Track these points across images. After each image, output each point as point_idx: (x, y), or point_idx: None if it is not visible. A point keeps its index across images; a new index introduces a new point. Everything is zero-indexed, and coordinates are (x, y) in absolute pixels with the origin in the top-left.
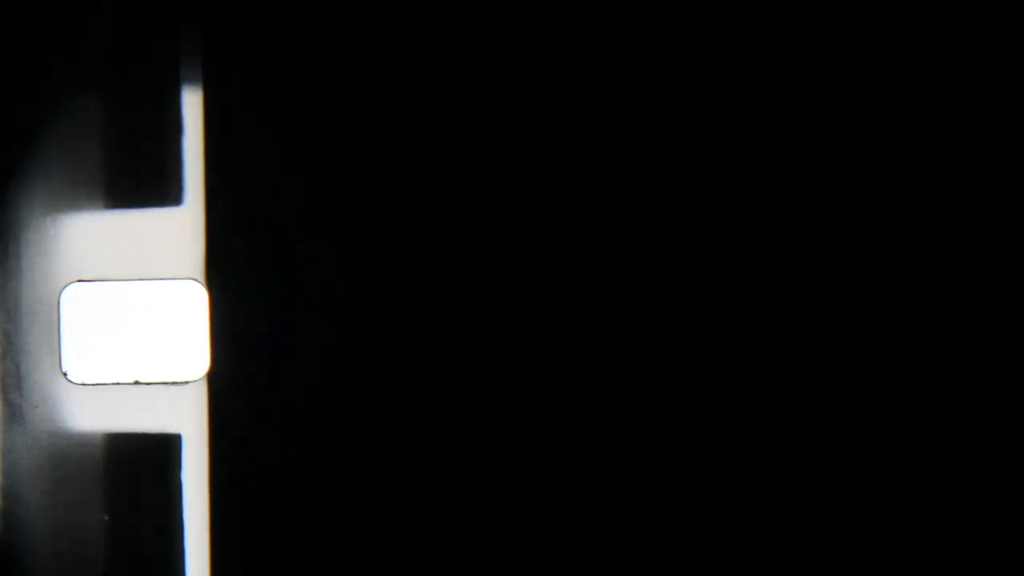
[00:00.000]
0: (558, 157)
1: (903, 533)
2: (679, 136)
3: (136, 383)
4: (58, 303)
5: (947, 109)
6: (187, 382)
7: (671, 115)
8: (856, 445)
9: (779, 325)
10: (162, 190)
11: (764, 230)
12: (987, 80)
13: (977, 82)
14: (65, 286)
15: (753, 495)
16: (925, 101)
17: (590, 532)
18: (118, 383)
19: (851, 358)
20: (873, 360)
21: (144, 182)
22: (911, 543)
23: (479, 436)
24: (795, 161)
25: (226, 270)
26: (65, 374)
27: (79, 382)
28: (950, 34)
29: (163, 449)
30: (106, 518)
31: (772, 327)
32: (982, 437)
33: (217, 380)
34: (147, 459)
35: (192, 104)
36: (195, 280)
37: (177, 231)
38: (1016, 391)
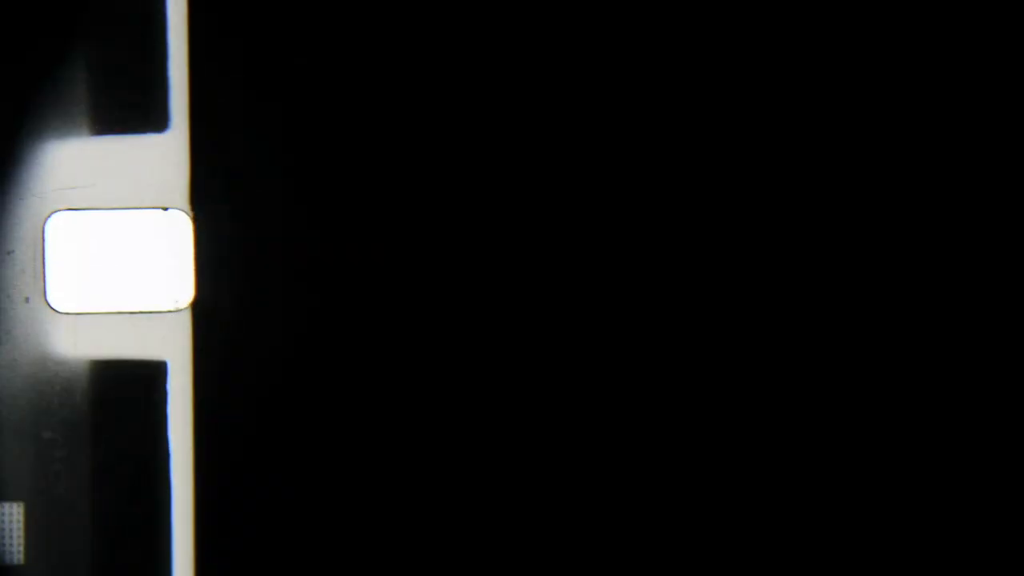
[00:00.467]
0: (557, 158)
1: (903, 532)
2: (679, 136)
3: (121, 312)
4: (43, 232)
5: (947, 109)
6: (172, 311)
7: (671, 115)
8: (856, 445)
9: (779, 325)
10: (147, 116)
11: (764, 230)
12: (987, 80)
13: (977, 82)
14: (49, 215)
15: (753, 494)
16: (925, 101)
17: (589, 530)
18: (103, 312)
19: (851, 358)
20: (873, 360)
21: (128, 109)
22: (911, 542)
23: (461, 373)
24: (795, 161)
25: (212, 199)
26: (49, 303)
27: (64, 311)
28: (950, 34)
29: (148, 376)
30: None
31: (772, 327)
32: (982, 437)
33: (202, 308)
34: (132, 386)
35: (177, 28)
36: (180, 209)
37: (162, 158)
38: (1016, 391)
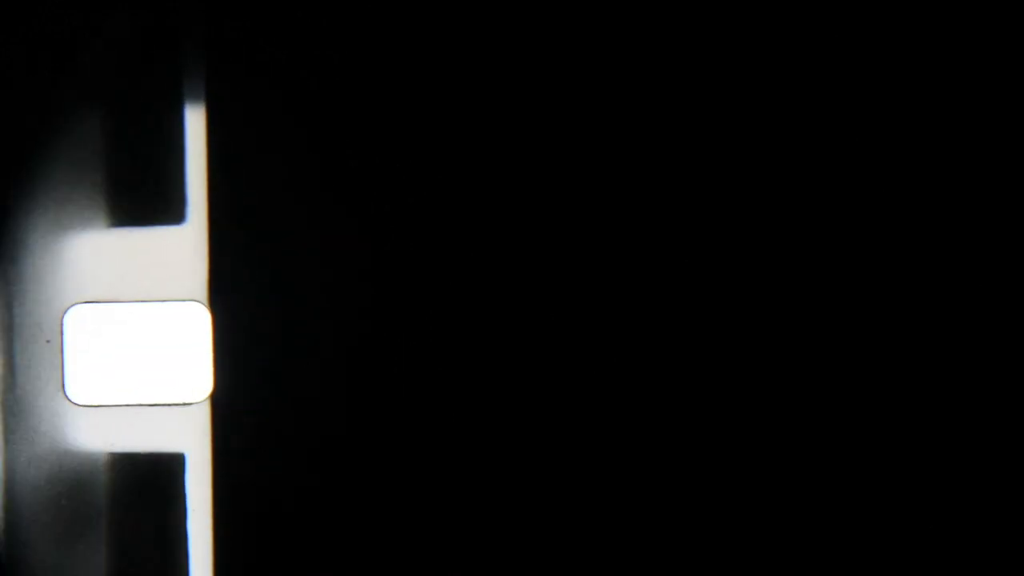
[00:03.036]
0: (558, 161)
1: (903, 532)
2: (679, 137)
3: (139, 404)
4: (61, 324)
5: (947, 109)
6: (190, 403)
7: (671, 116)
8: (856, 444)
9: (779, 325)
10: (164, 208)
11: (764, 230)
12: (987, 80)
13: (977, 82)
14: (68, 307)
15: (753, 494)
16: (925, 101)
17: (590, 530)
18: (121, 404)
19: (851, 358)
20: (873, 360)
21: (147, 200)
22: (911, 541)
23: (481, 454)
24: (795, 161)
25: (229, 291)
26: (68, 396)
27: (82, 403)
28: (950, 34)
29: (167, 469)
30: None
31: (772, 327)
32: (982, 437)
33: (220, 401)
34: (151, 479)
35: (195, 122)
36: (198, 301)
37: (180, 250)
38: (1016, 391)
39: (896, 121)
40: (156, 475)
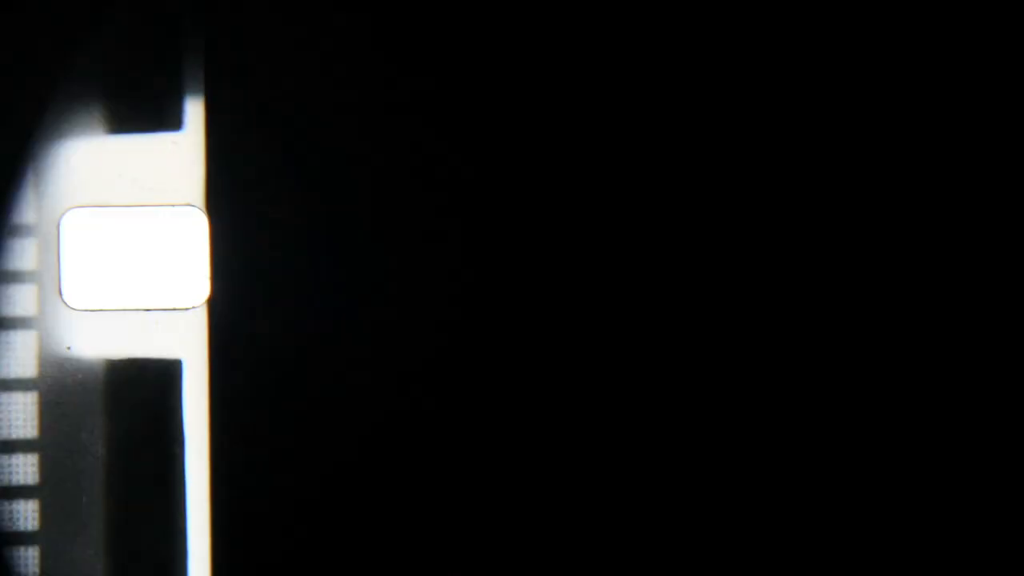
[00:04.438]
0: (560, 160)
1: (903, 532)
2: (683, 139)
3: (136, 309)
4: (58, 228)
5: (947, 109)
6: (187, 308)
7: (674, 118)
8: (856, 445)
9: (779, 325)
10: (163, 115)
11: (765, 231)
12: (987, 80)
13: (977, 82)
14: (65, 211)
15: (753, 494)
16: (925, 101)
17: (591, 531)
18: (118, 309)
19: (851, 358)
20: (873, 360)
21: (145, 107)
22: (911, 542)
23: (469, 368)
24: (795, 162)
25: (226, 197)
26: (65, 300)
27: (80, 308)
28: (950, 34)
29: (164, 374)
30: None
31: (772, 327)
32: (982, 437)
33: (217, 306)
34: (148, 384)
35: (194, 29)
36: (195, 207)
37: (177, 156)
38: (1016, 391)
39: (896, 121)
40: (153, 380)
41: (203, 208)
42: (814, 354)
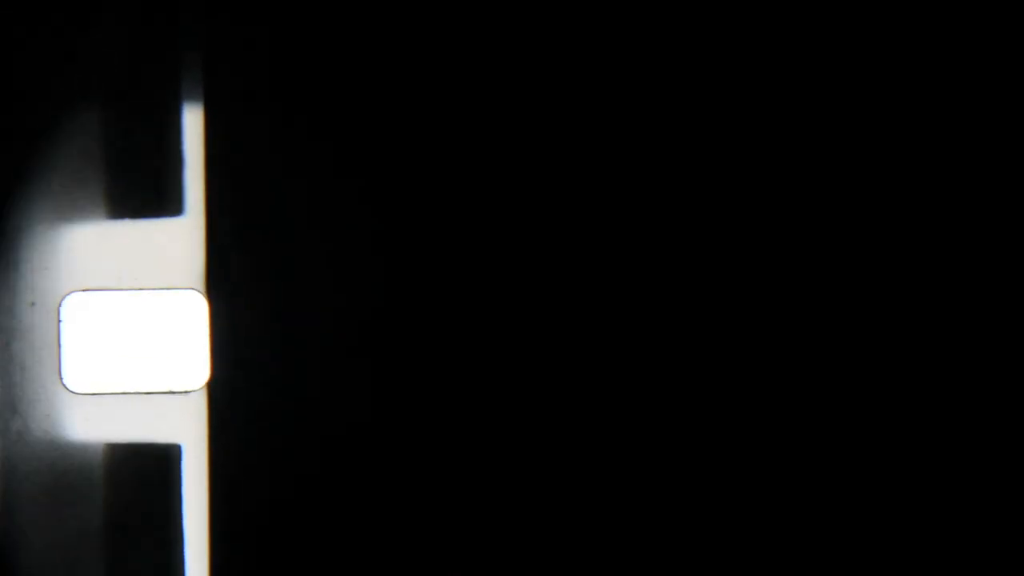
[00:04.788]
0: (560, 159)
1: (903, 532)
2: (679, 137)
3: (136, 393)
4: (58, 313)
5: (947, 109)
6: (187, 392)
7: (672, 116)
8: (856, 445)
9: (779, 325)
10: (163, 201)
11: (764, 231)
12: (987, 80)
13: (977, 82)
14: (66, 296)
15: (753, 495)
16: (925, 101)
17: (591, 531)
18: (118, 393)
19: (851, 358)
20: (873, 360)
21: (145, 193)
22: (911, 542)
23: (482, 448)
24: (795, 162)
25: (227, 280)
26: (65, 384)
27: (79, 392)
28: (950, 34)
29: (163, 459)
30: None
31: (772, 327)
32: (982, 437)
33: (217, 390)
34: (147, 469)
35: (193, 113)
36: (196, 290)
37: (178, 241)
38: (1016, 391)
39: (896, 121)
40: (153, 465)
41: (203, 292)
42: (813, 354)
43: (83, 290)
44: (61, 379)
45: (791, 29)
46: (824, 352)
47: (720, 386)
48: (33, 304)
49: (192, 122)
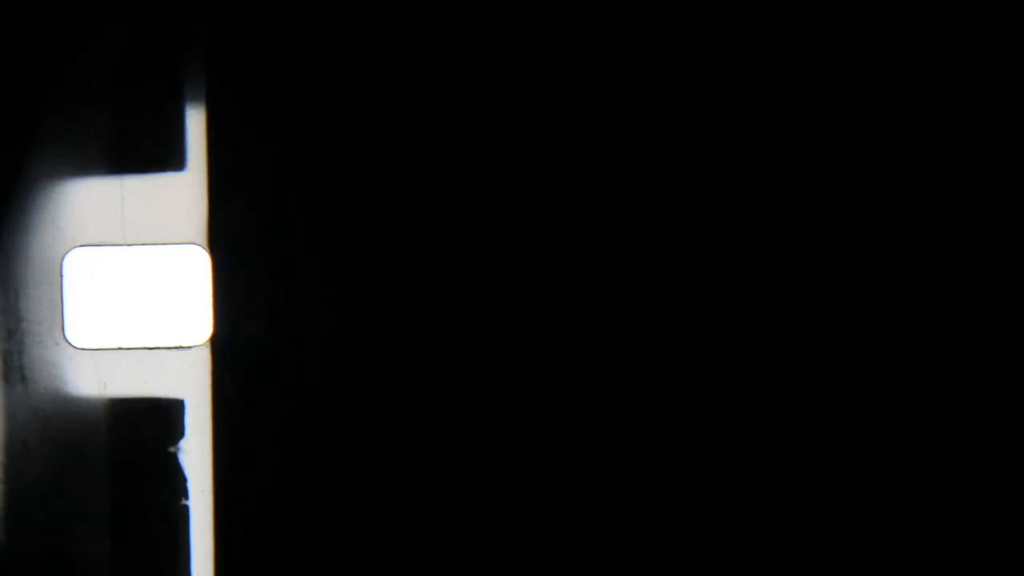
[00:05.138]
0: (559, 158)
1: (903, 533)
2: (679, 137)
3: (139, 348)
4: (60, 268)
5: (947, 109)
6: (190, 347)
7: (671, 116)
8: (856, 445)
9: (779, 326)
10: (164, 155)
11: (764, 231)
12: (987, 80)
13: (977, 82)
14: (67, 251)
15: (753, 495)
16: (925, 101)
17: (590, 530)
18: (120, 348)
19: (851, 358)
20: (873, 360)
21: (146, 147)
22: (911, 542)
23: (481, 410)
24: (795, 162)
25: (228, 235)
26: (67, 340)
27: (81, 347)
28: (950, 34)
29: (166, 414)
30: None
31: (772, 328)
32: (982, 437)
33: (220, 345)
34: (150, 424)
35: (196, 73)
36: (197, 245)
37: (179, 196)
38: (1016, 391)
39: (896, 121)
40: (155, 420)
41: (205, 246)
42: (813, 354)
43: (84, 245)
44: (63, 335)
45: (791, 29)
46: (824, 352)
47: (719, 385)
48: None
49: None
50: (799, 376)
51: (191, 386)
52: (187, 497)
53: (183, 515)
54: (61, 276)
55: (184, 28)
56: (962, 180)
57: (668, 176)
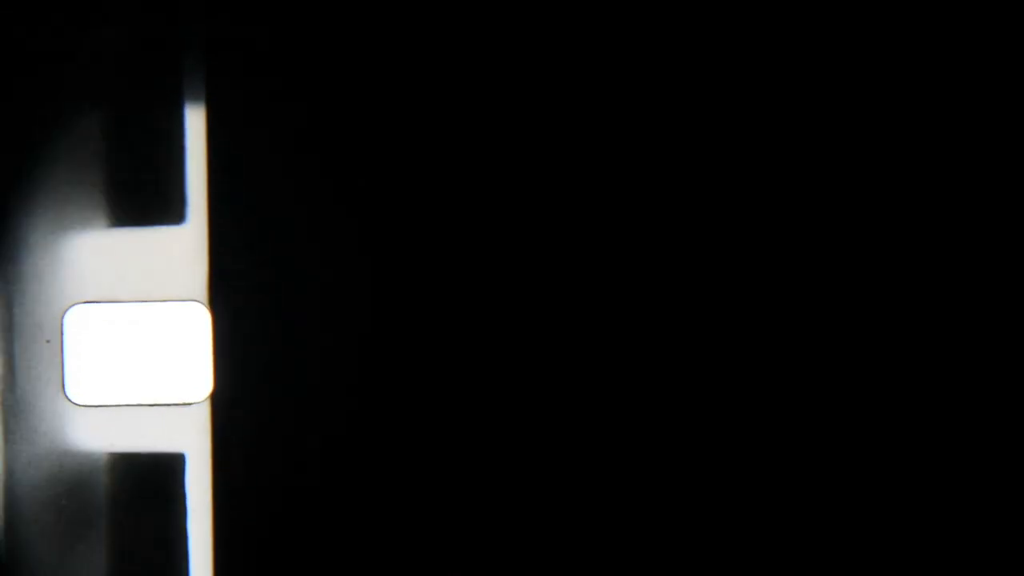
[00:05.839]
0: (557, 160)
1: (903, 532)
2: (679, 137)
3: (140, 404)
4: (61, 324)
5: (947, 109)
6: (191, 403)
7: (671, 116)
8: (856, 445)
9: (779, 325)
10: (165, 209)
11: (764, 231)
12: (987, 80)
13: (977, 82)
14: (68, 307)
15: (753, 495)
16: (925, 101)
17: (590, 530)
18: (121, 404)
19: (851, 358)
20: (873, 360)
21: (147, 201)
22: (911, 542)
23: (482, 455)
24: (795, 162)
25: (229, 291)
26: (68, 396)
27: (82, 403)
28: (950, 34)
29: (167, 469)
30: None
31: (772, 327)
32: (982, 437)
33: (220, 400)
34: (151, 480)
35: (195, 123)
36: (198, 301)
37: (180, 250)
38: (1016, 391)
39: (896, 121)
40: (156, 475)
41: (206, 303)
42: (812, 354)
43: (85, 302)
44: (64, 391)
45: (791, 29)
46: (823, 352)
47: (715, 384)
48: (49, 342)
49: (194, 129)
50: (799, 376)
51: (192, 441)
52: (187, 553)
53: (183, 572)
54: (62, 332)
55: (184, 28)
56: (962, 180)
57: (668, 176)
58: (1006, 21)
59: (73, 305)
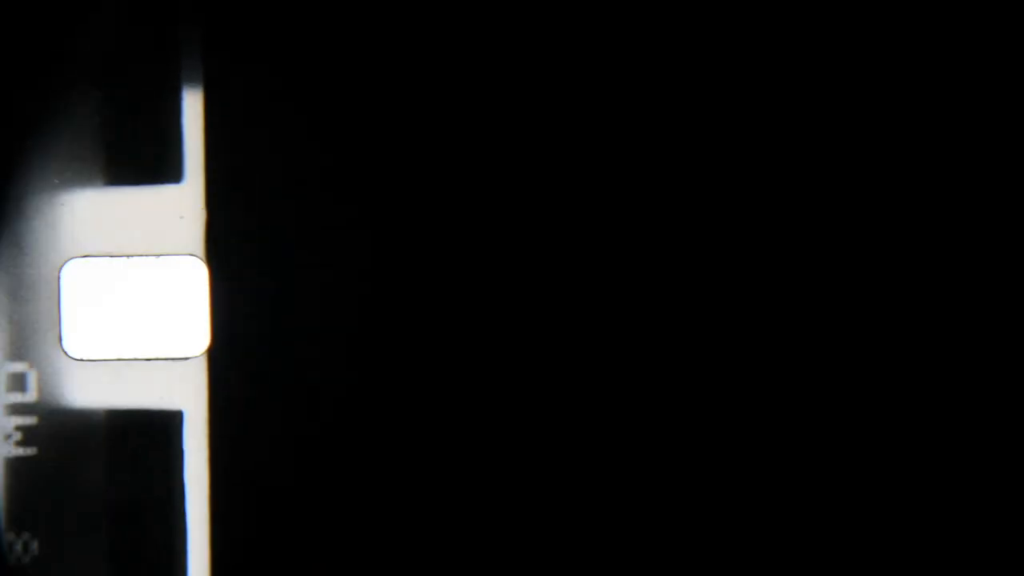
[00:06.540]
0: (557, 160)
1: (903, 532)
2: (678, 137)
3: (137, 359)
4: (58, 279)
5: (947, 109)
6: (188, 358)
7: (670, 116)
8: (856, 445)
9: (779, 325)
10: (162, 167)
11: (764, 231)
12: (987, 80)
13: (977, 82)
14: (65, 262)
15: (753, 495)
16: (925, 102)
17: (590, 530)
18: (119, 359)
19: (851, 358)
20: (873, 360)
21: (144, 159)
22: (911, 542)
23: (477, 412)
24: (795, 162)
25: (225, 247)
26: (66, 351)
27: (80, 358)
28: (950, 34)
29: (164, 425)
30: None
31: (772, 327)
32: (982, 437)
33: (217, 356)
34: (148, 434)
35: (193, 80)
36: (195, 256)
37: (177, 208)
38: (1016, 391)
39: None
40: (154, 431)
41: (203, 258)
42: (812, 354)
43: (82, 256)
44: (62, 346)
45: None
46: (823, 351)
47: (715, 384)
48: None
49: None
50: (798, 376)
51: (189, 396)
52: (185, 508)
53: (181, 527)
54: (59, 288)
55: (184, 26)
56: (962, 180)
57: (668, 177)
58: (1006, 21)
59: (70, 260)
